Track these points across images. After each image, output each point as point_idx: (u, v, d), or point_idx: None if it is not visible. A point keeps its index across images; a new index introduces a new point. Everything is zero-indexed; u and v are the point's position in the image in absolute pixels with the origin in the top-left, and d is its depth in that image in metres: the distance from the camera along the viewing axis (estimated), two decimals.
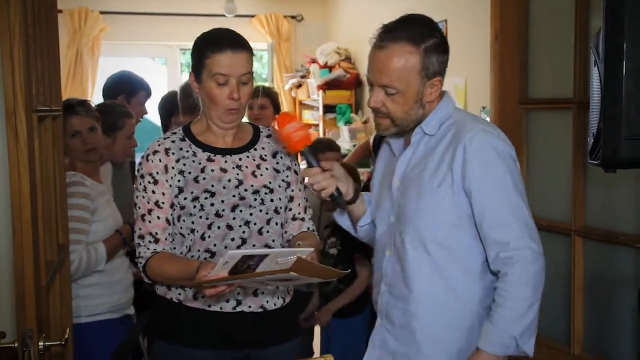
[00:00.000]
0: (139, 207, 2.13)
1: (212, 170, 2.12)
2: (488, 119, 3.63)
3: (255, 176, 2.16)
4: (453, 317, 2.04)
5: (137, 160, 3.98)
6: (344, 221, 2.35)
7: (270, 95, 4.05)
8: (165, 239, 2.12)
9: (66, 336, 1.92)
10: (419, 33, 1.98)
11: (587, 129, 2.04)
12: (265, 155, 2.22)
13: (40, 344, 1.74)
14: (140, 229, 2.13)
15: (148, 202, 2.11)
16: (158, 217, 2.11)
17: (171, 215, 2.12)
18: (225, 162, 2.15)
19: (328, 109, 6.83)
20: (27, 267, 1.70)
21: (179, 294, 2.13)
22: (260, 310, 2.14)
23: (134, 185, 2.20)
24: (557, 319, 3.15)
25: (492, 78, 3.37)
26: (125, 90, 3.82)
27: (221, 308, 2.10)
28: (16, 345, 1.69)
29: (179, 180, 2.10)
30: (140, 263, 2.12)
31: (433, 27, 2.04)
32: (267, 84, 7.40)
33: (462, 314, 2.04)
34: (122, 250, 2.90)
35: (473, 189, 1.95)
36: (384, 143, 2.28)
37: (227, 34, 2.13)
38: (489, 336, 1.95)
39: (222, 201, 2.09)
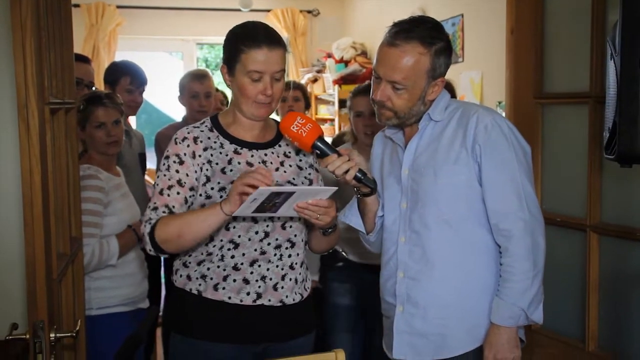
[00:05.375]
0: (157, 184, 2.09)
1: (239, 163, 2.12)
2: (503, 113, 3.60)
3: (279, 172, 2.16)
4: (480, 285, 2.10)
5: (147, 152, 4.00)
6: (354, 219, 2.32)
7: (301, 88, 4.31)
8: None
9: (78, 328, 1.93)
10: (430, 35, 2.06)
11: (603, 124, 2.02)
12: (289, 152, 2.22)
13: (52, 335, 1.75)
14: (155, 202, 2.06)
15: (169, 180, 2.07)
16: (178, 193, 2.06)
17: (190, 196, 2.08)
18: (252, 156, 2.15)
19: (344, 103, 6.75)
20: (38, 259, 1.71)
21: (199, 284, 2.11)
22: (279, 304, 2.14)
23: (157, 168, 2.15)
24: (571, 315, 3.12)
25: (507, 72, 3.35)
26: (107, 79, 3.75)
27: (241, 300, 2.09)
28: (27, 336, 1.70)
29: (207, 170, 2.08)
30: (150, 224, 2.02)
31: (442, 30, 2.14)
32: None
33: (487, 281, 2.10)
34: (138, 245, 2.89)
35: (482, 162, 2.05)
36: (380, 138, 2.34)
37: (264, 29, 2.10)
38: (500, 310, 2.05)
39: None
